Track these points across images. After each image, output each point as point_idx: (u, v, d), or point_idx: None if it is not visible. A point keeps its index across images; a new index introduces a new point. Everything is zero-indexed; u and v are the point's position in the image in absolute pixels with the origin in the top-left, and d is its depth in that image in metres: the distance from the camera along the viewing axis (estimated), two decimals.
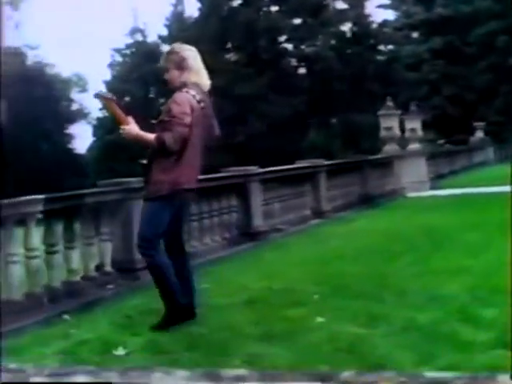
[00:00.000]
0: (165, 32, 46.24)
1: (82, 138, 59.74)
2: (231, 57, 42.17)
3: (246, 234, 11.87)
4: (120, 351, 5.65)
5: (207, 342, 5.80)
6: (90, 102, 60.53)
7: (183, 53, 6.68)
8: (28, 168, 47.37)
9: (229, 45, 41.49)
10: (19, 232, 7.38)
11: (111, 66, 50.47)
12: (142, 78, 46.09)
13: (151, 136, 6.39)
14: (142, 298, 7.75)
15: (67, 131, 56.89)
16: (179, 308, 6.43)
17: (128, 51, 48.98)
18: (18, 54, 53.37)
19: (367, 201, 17.33)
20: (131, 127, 6.48)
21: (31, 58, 54.68)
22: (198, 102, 6.47)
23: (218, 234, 11.30)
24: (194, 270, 9.28)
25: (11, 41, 50.90)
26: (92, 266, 8.27)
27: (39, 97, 50.70)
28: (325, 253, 10.21)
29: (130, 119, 6.54)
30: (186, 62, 6.58)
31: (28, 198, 7.39)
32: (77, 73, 61.35)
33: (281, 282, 8.14)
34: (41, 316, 7.04)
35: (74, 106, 60.44)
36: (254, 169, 12.43)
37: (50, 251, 7.64)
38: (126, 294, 7.99)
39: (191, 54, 6.70)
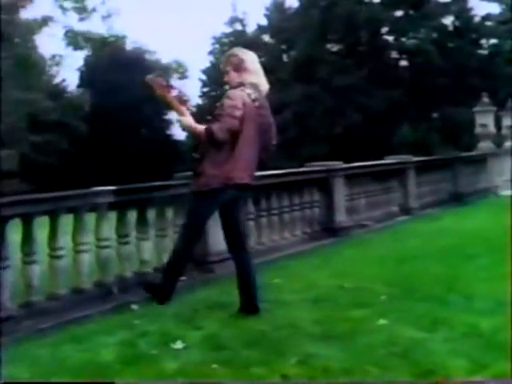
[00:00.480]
0: (264, 22, 46.34)
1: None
2: (331, 48, 41.98)
3: (328, 229, 11.84)
4: (178, 345, 5.73)
5: (266, 339, 5.83)
6: (189, 89, 61.32)
7: (242, 55, 6.81)
8: (128, 154, 48.23)
9: (329, 36, 41.31)
10: (91, 221, 7.57)
11: (211, 53, 50.85)
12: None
13: (202, 128, 6.53)
14: (213, 291, 7.85)
15: (166, 117, 57.61)
16: None
17: (226, 40, 49.25)
18: (117, 42, 54.38)
19: (457, 198, 17.04)
20: (187, 118, 6.66)
21: (131, 45, 55.56)
22: (253, 100, 6.58)
23: (298, 229, 11.31)
24: (272, 263, 9.47)
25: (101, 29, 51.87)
26: (165, 257, 8.37)
27: (140, 82, 51.53)
28: (403, 251, 10.11)
29: (185, 110, 6.65)
30: (244, 64, 6.72)
31: (99, 188, 7.57)
32: (177, 59, 62.01)
33: (353, 280, 8.11)
34: (109, 305, 7.20)
35: (173, 93, 61.18)
36: (338, 164, 12.37)
37: (122, 241, 7.79)
38: (197, 287, 8.08)
39: (250, 57, 6.83)
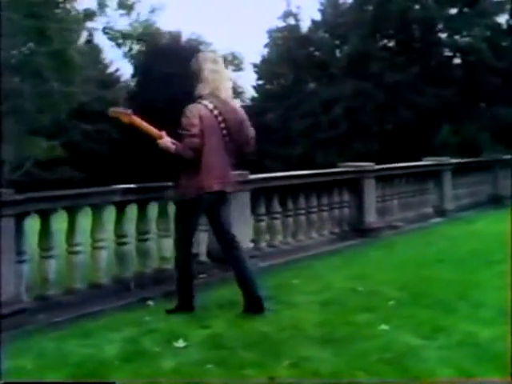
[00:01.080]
0: (318, 17, 46.28)
1: None
2: (384, 44, 41.75)
3: (357, 230, 11.92)
4: (180, 343, 5.90)
5: (266, 340, 5.97)
6: (244, 81, 61.58)
7: (201, 64, 7.04)
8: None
9: (382, 32, 41.07)
10: (111, 218, 7.78)
11: (267, 46, 50.92)
12: (293, 61, 46.34)
13: (174, 148, 6.83)
14: (228, 290, 7.98)
15: None
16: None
17: (280, 34, 49.27)
18: (173, 34, 54.74)
19: (495, 201, 16.95)
20: (164, 141, 6.91)
21: (188, 36, 55.86)
22: (211, 110, 6.84)
23: (326, 229, 11.42)
24: (296, 263, 9.60)
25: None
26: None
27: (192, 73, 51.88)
28: (427, 255, 10.15)
29: (162, 132, 6.93)
30: (202, 74, 6.98)
31: (118, 186, 7.76)
32: (233, 51, 62.23)
33: (368, 283, 8.20)
34: (126, 300, 7.40)
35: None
36: (370, 165, 12.42)
37: (142, 238, 7.98)
38: (215, 285, 8.24)
39: (210, 67, 7.01)
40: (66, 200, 7.17)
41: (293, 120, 45.33)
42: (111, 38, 48.22)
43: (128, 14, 39.22)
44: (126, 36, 51.10)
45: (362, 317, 6.64)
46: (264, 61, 50.28)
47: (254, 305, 6.91)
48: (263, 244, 10.07)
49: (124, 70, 55.51)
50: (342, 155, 39.15)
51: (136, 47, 55.24)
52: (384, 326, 6.26)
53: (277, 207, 10.26)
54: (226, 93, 7.04)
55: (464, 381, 4.90)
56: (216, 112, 6.88)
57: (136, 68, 54.92)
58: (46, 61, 25.50)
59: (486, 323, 6.25)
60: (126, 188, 7.72)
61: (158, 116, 37.65)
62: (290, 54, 46.63)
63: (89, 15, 33.37)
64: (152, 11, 50.85)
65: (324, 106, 43.24)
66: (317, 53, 46.00)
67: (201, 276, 8.58)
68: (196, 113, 6.81)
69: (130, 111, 6.99)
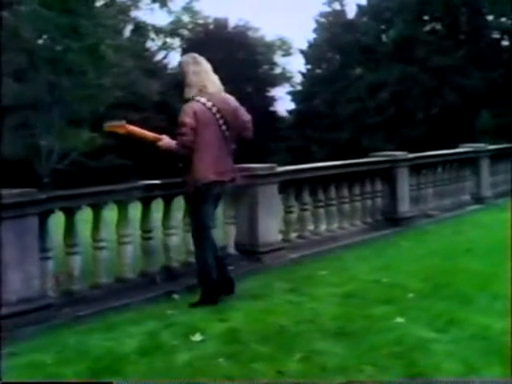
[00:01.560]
0: (364, 1, 46.10)
1: (285, 102, 60.34)
2: (430, 28, 41.46)
3: (391, 219, 11.95)
4: (197, 337, 6.05)
5: (282, 334, 6.10)
6: (292, 66, 61.45)
7: (186, 68, 7.40)
8: None
9: (428, 16, 40.79)
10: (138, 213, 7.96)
11: (316, 31, 50.84)
12: (339, 47, 46.23)
13: (173, 146, 7.24)
14: (255, 283, 8.13)
15: (269, 94, 57.94)
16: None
17: (326, 19, 49.16)
18: (219, 21, 54.90)
19: None
20: (164, 142, 7.29)
21: (235, 23, 56.05)
22: (209, 108, 7.19)
23: (358, 219, 11.48)
24: (326, 254, 9.72)
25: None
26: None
27: (242, 60, 52.06)
28: (457, 244, 10.14)
29: (162, 136, 7.31)
30: (188, 78, 7.32)
31: (144, 182, 7.93)
32: (281, 36, 62.23)
33: (392, 274, 8.27)
34: (151, 294, 7.58)
35: (277, 70, 61.44)
36: (402, 154, 12.43)
37: (168, 233, 8.14)
38: (243, 277, 8.33)
39: (193, 69, 7.35)
40: (90, 197, 7.36)
41: (339, 105, 45.30)
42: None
43: (162, 7, 39.43)
44: (158, 30, 51.40)
45: (379, 309, 6.73)
46: (311, 46, 50.21)
47: (226, 286, 7.42)
48: (293, 235, 10.17)
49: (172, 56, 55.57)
50: (389, 140, 39.10)
51: (170, 40, 55.57)
52: (399, 319, 6.35)
53: (307, 198, 10.35)
54: (214, 87, 7.38)
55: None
56: (209, 104, 7.21)
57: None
58: (79, 56, 26.00)
59: (501, 316, 6.29)
60: (150, 184, 7.89)
61: None
62: (336, 40, 46.53)
63: (123, 10, 33.86)
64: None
65: (370, 91, 43.11)
66: (362, 38, 45.78)
67: (228, 268, 8.72)
68: (189, 111, 7.16)
69: (123, 122, 7.26)
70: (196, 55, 7.61)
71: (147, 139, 7.31)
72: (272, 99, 58.24)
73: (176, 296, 7.61)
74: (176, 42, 56.89)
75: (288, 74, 61.05)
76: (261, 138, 49.30)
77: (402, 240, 10.81)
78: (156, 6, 39.79)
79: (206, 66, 7.48)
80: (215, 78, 7.44)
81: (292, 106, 54.36)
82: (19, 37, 25.51)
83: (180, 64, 7.59)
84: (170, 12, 46.03)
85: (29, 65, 29.17)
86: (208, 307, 7.09)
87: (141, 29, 44.51)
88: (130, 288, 7.60)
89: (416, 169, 12.71)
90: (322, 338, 5.93)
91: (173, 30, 54.45)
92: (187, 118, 7.11)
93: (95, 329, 6.45)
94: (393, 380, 5.05)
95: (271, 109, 57.17)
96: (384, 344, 5.68)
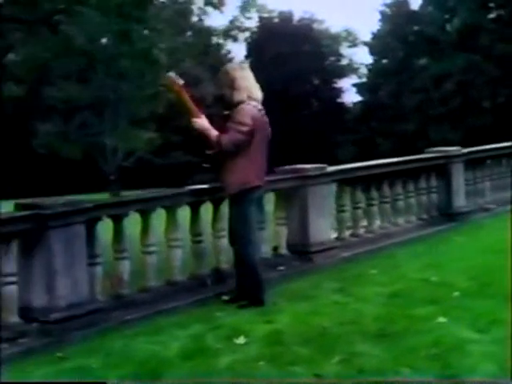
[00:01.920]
0: None
1: (352, 93, 60.12)
2: (494, 16, 40.88)
3: (446, 214, 11.89)
4: (240, 340, 6.17)
5: (324, 335, 6.19)
6: (359, 57, 61.31)
7: (233, 73, 7.48)
8: (300, 123, 48.78)
9: (491, 3, 40.26)
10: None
11: (378, 23, 50.63)
12: (403, 37, 45.91)
13: (215, 134, 7.27)
14: (305, 283, 8.21)
15: (335, 86, 57.87)
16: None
17: (389, 10, 48.87)
18: (284, 14, 55.03)
19: None
20: (201, 120, 7.36)
21: (300, 15, 56.14)
22: (259, 110, 7.39)
23: (413, 215, 11.47)
24: (379, 251, 9.76)
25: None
26: (265, 248, 8.79)
27: (308, 52, 52.10)
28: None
29: (200, 112, 7.35)
30: (236, 83, 7.39)
31: (192, 187, 8.08)
32: (346, 28, 62.10)
33: (442, 273, 8.29)
34: (201, 296, 7.72)
35: (344, 61, 61.33)
36: (457, 150, 12.35)
37: (218, 235, 8.26)
38: (294, 277, 8.44)
39: (241, 74, 7.49)
40: (138, 204, 7.53)
41: (404, 96, 45.03)
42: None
43: (215, 9, 39.70)
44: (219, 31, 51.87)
45: (423, 310, 6.77)
46: (375, 38, 50.00)
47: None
48: (347, 234, 10.22)
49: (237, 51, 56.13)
50: (455, 130, 38.70)
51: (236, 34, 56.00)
52: (442, 319, 6.39)
53: (360, 197, 10.40)
54: (258, 95, 7.54)
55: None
56: (262, 113, 7.46)
57: (249, 49, 55.52)
58: (132, 60, 26.49)
59: None
60: (198, 189, 8.01)
61: (274, 94, 38.08)
62: (399, 30, 46.24)
63: (181, 12, 34.33)
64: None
65: (435, 82, 42.73)
66: (426, 28, 45.36)
67: (279, 268, 8.83)
68: (249, 113, 7.30)
69: (181, 82, 7.36)
70: (241, 62, 7.81)
71: (188, 109, 7.39)
72: (339, 91, 58.17)
73: (226, 297, 7.72)
74: (241, 36, 57.26)
75: (355, 66, 60.89)
76: (329, 130, 49.39)
77: (457, 235, 10.76)
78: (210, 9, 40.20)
79: (251, 73, 7.64)
80: (258, 87, 7.59)
81: (358, 98, 54.26)
82: (74, 41, 26.11)
83: (225, 70, 7.70)
84: (223, 12, 46.31)
85: (89, 67, 29.89)
86: (256, 309, 7.20)
87: (201, 30, 44.99)
88: (180, 291, 7.74)
89: (472, 163, 12.61)
90: (362, 340, 6.00)
91: (232, 28, 54.79)
92: (247, 119, 7.24)
93: (142, 332, 6.60)
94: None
95: (339, 100, 57.10)
96: (424, 345, 5.72)
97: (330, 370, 5.36)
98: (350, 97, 58.01)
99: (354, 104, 55.64)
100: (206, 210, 8.26)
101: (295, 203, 9.17)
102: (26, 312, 6.48)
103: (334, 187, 10.02)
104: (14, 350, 6.12)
